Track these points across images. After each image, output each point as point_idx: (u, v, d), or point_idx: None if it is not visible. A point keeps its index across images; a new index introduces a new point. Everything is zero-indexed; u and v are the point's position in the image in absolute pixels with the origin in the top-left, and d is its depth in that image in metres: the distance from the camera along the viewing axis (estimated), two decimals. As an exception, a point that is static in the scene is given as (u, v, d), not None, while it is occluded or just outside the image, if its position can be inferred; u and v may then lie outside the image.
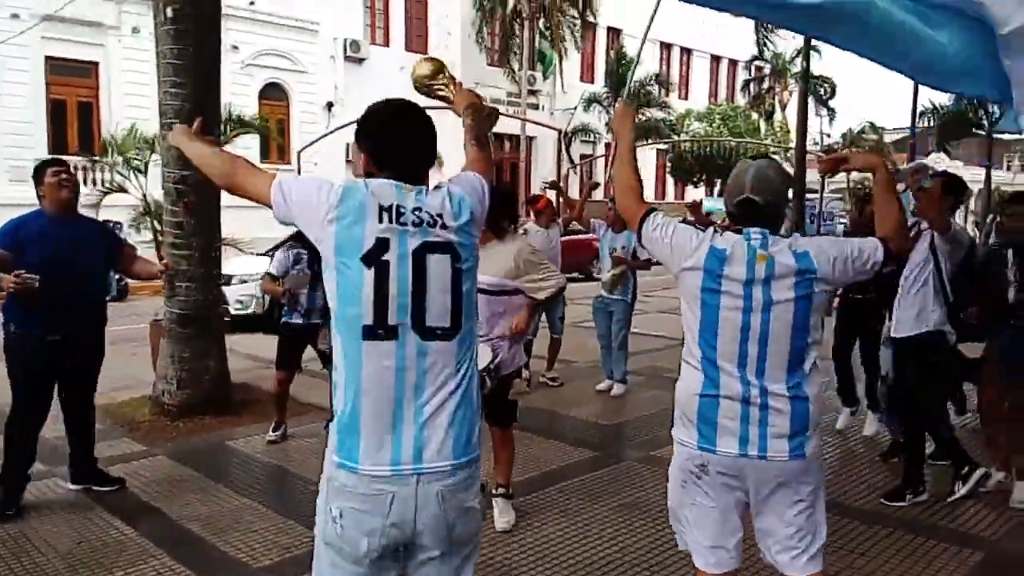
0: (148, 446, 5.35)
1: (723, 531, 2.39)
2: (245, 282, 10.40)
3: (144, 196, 10.89)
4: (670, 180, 31.34)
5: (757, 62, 31.66)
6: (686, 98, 32.07)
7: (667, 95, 27.80)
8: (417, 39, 24.07)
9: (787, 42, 28.07)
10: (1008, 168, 43.46)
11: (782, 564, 2.37)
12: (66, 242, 4.09)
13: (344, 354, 1.86)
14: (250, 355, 8.09)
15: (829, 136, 33.11)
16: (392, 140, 1.97)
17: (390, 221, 1.84)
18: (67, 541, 3.82)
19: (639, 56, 4.97)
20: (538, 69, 26.02)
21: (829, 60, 27.80)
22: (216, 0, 6.09)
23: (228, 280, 9.50)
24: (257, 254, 11.24)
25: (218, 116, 6.51)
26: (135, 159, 11.14)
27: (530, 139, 24.96)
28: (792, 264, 2.23)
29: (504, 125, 24.47)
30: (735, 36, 29.03)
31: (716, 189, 26.79)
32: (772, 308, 2.23)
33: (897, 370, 4.52)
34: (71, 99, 18.01)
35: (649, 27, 3.40)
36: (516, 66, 24.68)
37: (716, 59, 34.44)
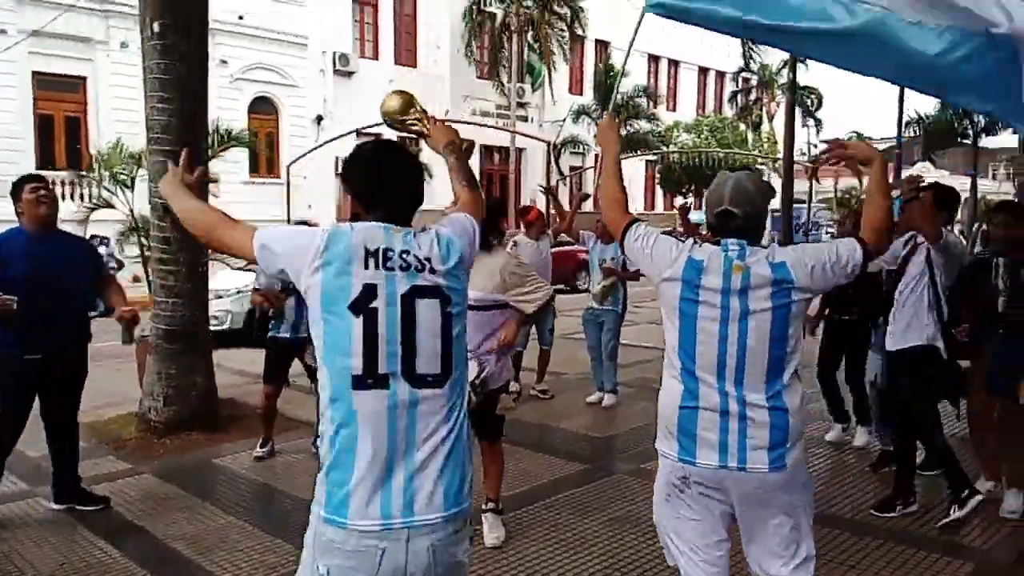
0: (134, 464, 5.29)
1: (708, 544, 2.38)
2: (220, 297, 10.16)
3: (131, 211, 10.82)
4: (659, 191, 31.47)
5: (744, 74, 31.90)
6: (674, 110, 32.24)
7: (655, 107, 27.94)
8: (406, 52, 24.14)
9: (774, 54, 28.31)
10: (994, 177, 43.86)
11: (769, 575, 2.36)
12: (47, 259, 4.05)
13: (332, 404, 1.82)
14: (238, 370, 8.04)
15: (816, 146, 33.34)
16: (379, 182, 1.95)
17: (376, 266, 1.82)
18: (49, 563, 3.76)
19: (623, 69, 4.99)
20: (527, 81, 26.11)
21: (815, 71, 28.14)
22: (203, 15, 6.09)
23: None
24: (233, 268, 11.14)
25: (206, 130, 6.48)
26: (122, 174, 11.07)
27: (519, 151, 25.03)
28: (768, 275, 2.24)
29: (493, 137, 24.57)
30: (722, 48, 29.25)
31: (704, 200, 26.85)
32: (749, 318, 2.23)
33: (891, 382, 4.51)
34: (58, 114, 17.95)
35: (632, 42, 3.42)
36: (505, 79, 24.77)
37: (703, 71, 34.65)
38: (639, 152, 26.01)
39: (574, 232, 6.90)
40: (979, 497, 4.08)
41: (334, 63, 21.77)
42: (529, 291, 3.83)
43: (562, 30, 24.76)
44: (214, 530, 4.16)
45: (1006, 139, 30.41)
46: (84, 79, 17.94)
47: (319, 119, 21.54)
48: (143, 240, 10.37)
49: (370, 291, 1.80)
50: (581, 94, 28.22)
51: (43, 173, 16.05)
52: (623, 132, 25.03)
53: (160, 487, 4.86)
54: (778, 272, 2.24)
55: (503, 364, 3.88)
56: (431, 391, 1.84)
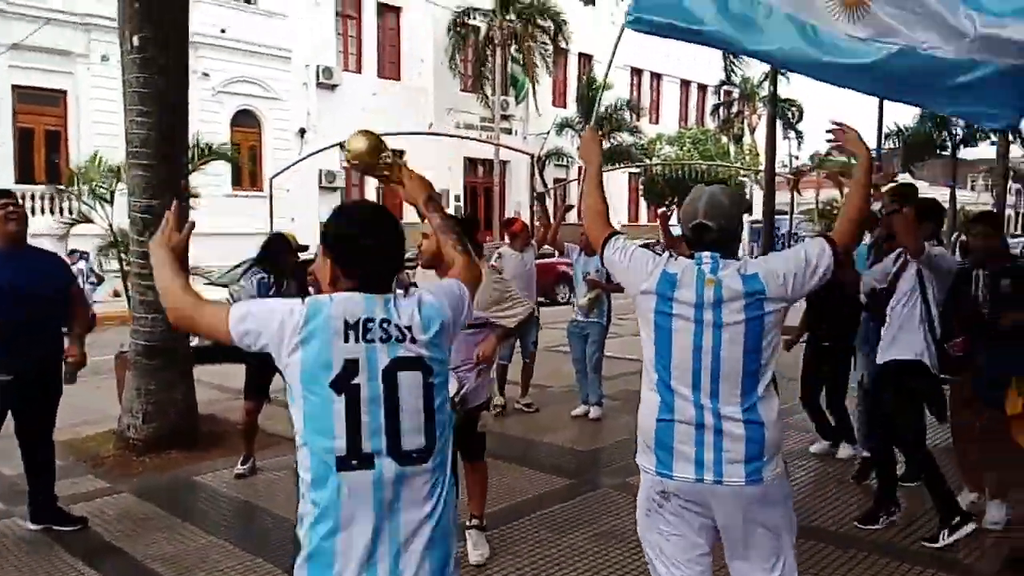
0: (112, 483, 5.20)
1: (690, 559, 2.37)
2: None
3: (110, 226, 10.71)
4: (643, 203, 31.60)
5: (726, 87, 32.15)
6: (657, 122, 32.45)
7: (638, 120, 28.12)
8: (390, 65, 24.17)
9: (755, 67, 28.55)
10: (972, 188, 44.49)
11: None
12: (17, 276, 3.98)
13: (314, 488, 1.77)
14: (218, 385, 7.94)
15: (797, 158, 33.71)
16: (359, 245, 1.88)
17: (357, 339, 1.77)
18: (24, 585, 3.68)
19: (604, 83, 5.02)
20: (511, 94, 26.21)
21: (796, 84, 28.41)
22: (183, 28, 6.05)
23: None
24: (206, 283, 11.03)
25: (186, 144, 6.43)
26: (101, 188, 10.96)
27: (503, 163, 25.07)
28: (739, 288, 2.25)
29: (477, 150, 24.61)
30: (704, 62, 29.47)
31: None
32: (723, 331, 2.25)
33: (875, 395, 4.50)
34: (39, 128, 17.80)
35: (612, 57, 3.46)
36: (489, 91, 24.84)
37: (686, 84, 34.93)
38: (622, 164, 26.14)
39: (558, 244, 6.91)
40: (971, 527, 3.98)
41: (317, 76, 21.75)
42: (509, 307, 3.81)
43: (545, 43, 24.88)
44: (194, 550, 4.09)
45: (984, 150, 30.87)
46: (64, 92, 17.81)
47: (302, 132, 21.49)
48: (122, 255, 10.26)
49: (351, 366, 1.76)
50: (565, 107, 28.36)
51: (22, 187, 16.08)
52: (606, 145, 25.16)
53: (139, 506, 4.78)
54: (749, 284, 2.25)
55: (483, 380, 3.85)
56: (416, 467, 1.80)
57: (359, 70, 23.34)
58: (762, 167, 17.66)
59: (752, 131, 32.56)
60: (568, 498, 4.85)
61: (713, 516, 2.32)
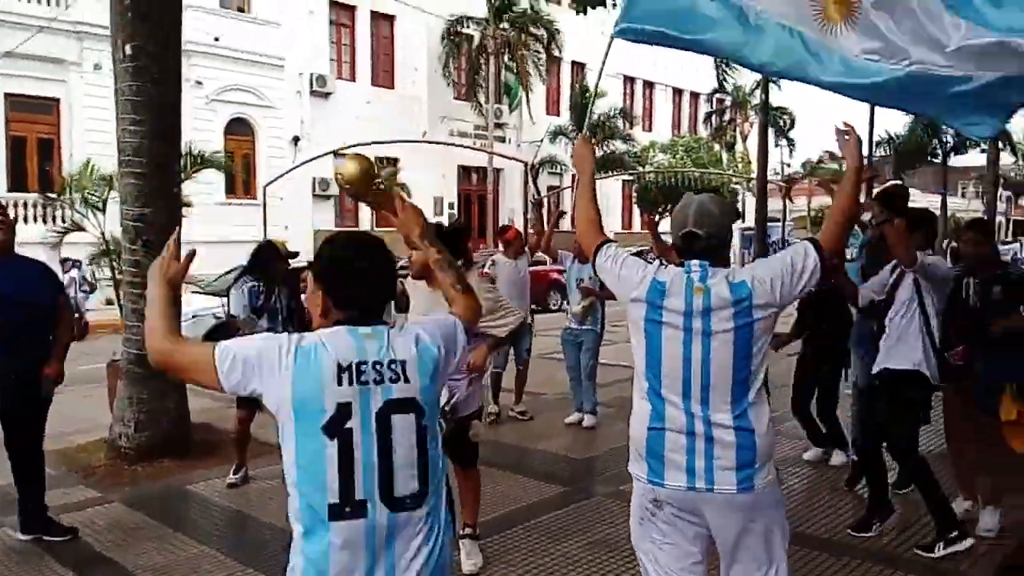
0: (103, 492, 5.17)
1: (683, 567, 2.37)
2: None
3: (103, 234, 10.66)
4: (636, 210, 31.65)
5: (718, 95, 32.30)
6: (650, 130, 32.56)
7: (631, 127, 28.19)
8: (383, 74, 24.18)
9: (747, 76, 28.71)
10: (963, 195, 44.71)
11: None
12: (1, 284, 3.96)
13: (306, 538, 1.74)
14: (210, 394, 7.88)
15: (789, 166, 33.85)
16: (350, 278, 1.85)
17: (350, 383, 1.74)
18: (14, 596, 3.65)
19: (595, 92, 5.06)
20: (504, 102, 26.26)
21: (788, 92, 28.50)
22: (177, 37, 6.05)
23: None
24: (195, 291, 10.98)
25: (178, 152, 6.43)
26: (93, 196, 10.91)
27: (497, 171, 25.09)
28: (728, 296, 2.26)
29: (471, 157, 24.63)
30: (696, 70, 29.58)
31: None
32: (712, 339, 2.25)
33: (870, 404, 4.48)
34: (31, 136, 17.73)
35: (603, 68, 3.50)
36: (483, 99, 24.88)
37: (678, 92, 35.04)
38: (616, 172, 26.20)
39: (552, 251, 6.91)
40: (968, 543, 3.95)
41: (311, 84, 21.75)
42: (500, 316, 3.79)
43: (538, 52, 24.96)
44: (185, 560, 4.06)
45: (974, 158, 31.06)
46: (57, 101, 17.76)
47: (296, 140, 21.47)
48: (115, 263, 10.22)
49: (344, 410, 1.73)
50: (558, 115, 28.42)
51: (14, 195, 16.01)
52: (600, 153, 25.22)
53: (130, 516, 4.75)
54: (737, 292, 2.26)
55: (474, 389, 3.83)
56: (410, 513, 1.78)
57: (353, 78, 23.35)
58: (754, 175, 17.72)
59: (744, 139, 32.71)
60: (562, 506, 4.84)
61: (706, 524, 2.32)
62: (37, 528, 4.30)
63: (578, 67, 29.36)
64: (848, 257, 5.35)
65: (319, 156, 17.02)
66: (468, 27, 24.03)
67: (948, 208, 27.05)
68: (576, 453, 6.12)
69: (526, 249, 7.39)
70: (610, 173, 25.50)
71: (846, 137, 2.52)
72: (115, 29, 5.78)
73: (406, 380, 1.80)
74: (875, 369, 4.19)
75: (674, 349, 2.28)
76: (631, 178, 28.48)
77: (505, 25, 23.99)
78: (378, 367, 1.77)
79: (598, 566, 3.93)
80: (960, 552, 3.95)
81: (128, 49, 5.66)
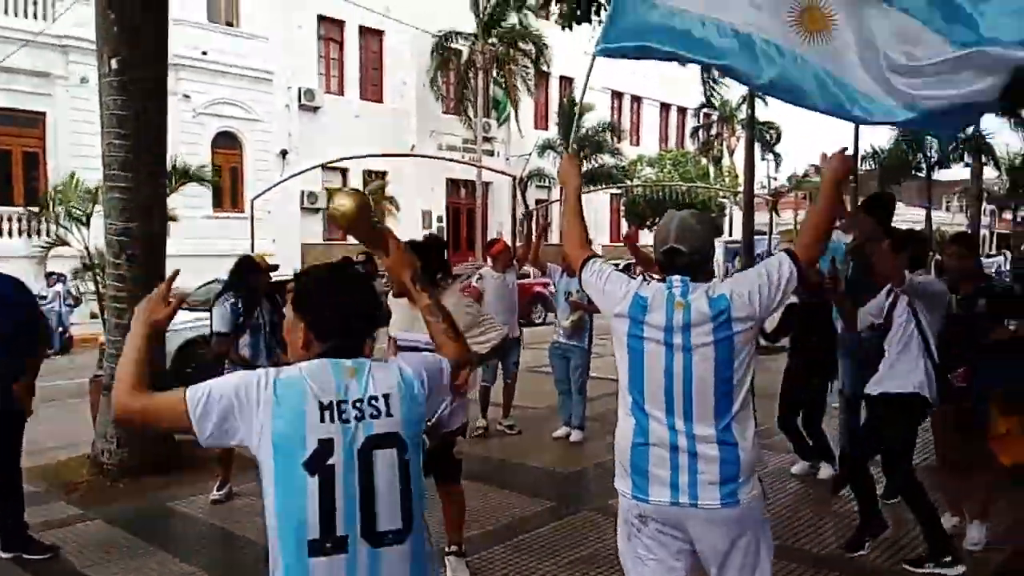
0: (85, 509, 5.11)
1: None
2: None
3: (86, 248, 10.60)
4: (624, 224, 31.77)
5: (705, 109, 32.53)
6: (638, 144, 32.74)
7: (619, 142, 28.34)
8: (372, 88, 24.23)
9: (734, 90, 28.95)
10: (947, 209, 45.16)
11: None
12: None
13: (287, 572, 1.71)
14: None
15: (776, 180, 34.06)
16: (333, 311, 1.83)
17: (332, 420, 1.72)
18: (-9, 617, 3.59)
19: (579, 109, 5.07)
20: (493, 116, 26.35)
21: (774, 107, 28.76)
22: (162, 51, 6.04)
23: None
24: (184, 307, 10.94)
25: (164, 167, 6.40)
26: (77, 210, 10.85)
27: (486, 184, 25.14)
28: (707, 310, 2.27)
29: (460, 171, 24.67)
30: (683, 85, 29.79)
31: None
32: (694, 353, 2.26)
33: (865, 416, 4.42)
34: (16, 150, 17.62)
35: (586, 85, 3.57)
36: (471, 113, 24.95)
37: (665, 107, 35.27)
38: (604, 186, 26.29)
39: (540, 264, 6.90)
40: (960, 569, 3.89)
41: (299, 98, 21.76)
42: (481, 332, 3.74)
43: (527, 67, 25.08)
44: (168, 579, 4.01)
45: (958, 172, 31.43)
46: (43, 114, 17.67)
47: (284, 153, 21.44)
48: (99, 277, 10.16)
49: (326, 446, 1.70)
50: (547, 129, 28.53)
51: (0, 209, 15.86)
52: (588, 166, 25.34)
53: (113, 534, 4.69)
54: (716, 305, 2.27)
55: (458, 405, 3.80)
56: (392, 549, 1.75)
57: (341, 92, 23.38)
58: (741, 188, 17.82)
59: (731, 153, 32.93)
60: (550, 522, 4.81)
61: (690, 539, 2.31)
62: (17, 546, 4.24)
63: (566, 81, 29.52)
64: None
65: (307, 169, 17.03)
66: (457, 42, 24.12)
67: (933, 222, 27.30)
68: (564, 467, 6.10)
69: (514, 263, 7.38)
70: (599, 187, 25.60)
71: (839, 156, 2.52)
72: (100, 43, 5.76)
73: (388, 414, 1.78)
74: (874, 391, 4.11)
75: (656, 364, 2.29)
76: (619, 192, 28.60)
77: (494, 40, 24.10)
78: (358, 404, 1.75)
79: (586, 582, 3.90)
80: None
81: (113, 63, 5.64)
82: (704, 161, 31.44)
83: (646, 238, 5.83)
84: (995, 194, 35.25)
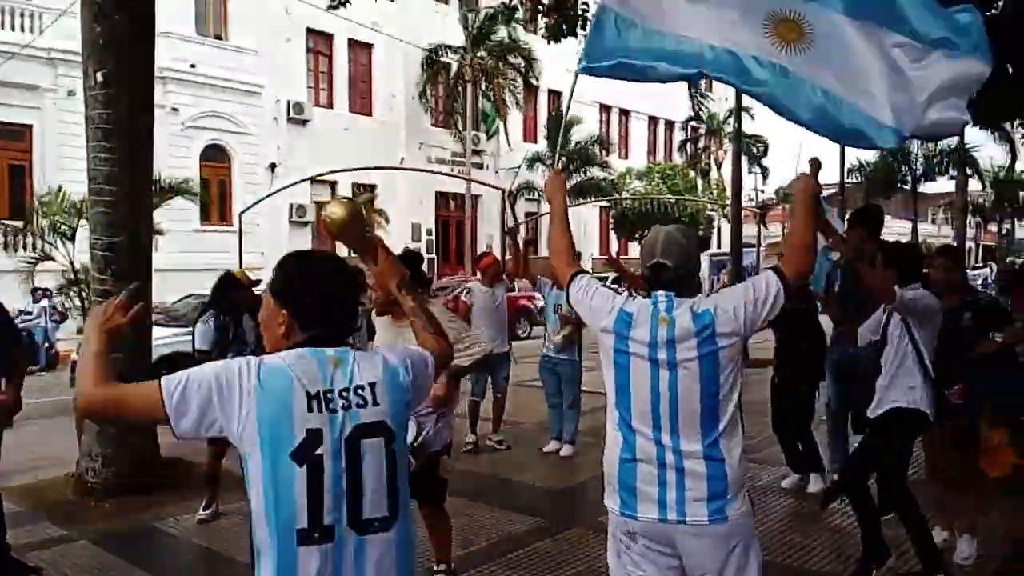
0: (69, 530, 5.02)
1: None
2: None
3: (71, 263, 10.49)
4: (613, 236, 31.87)
5: (693, 123, 32.74)
6: (626, 157, 32.89)
7: (607, 155, 28.45)
8: (361, 101, 24.24)
9: (721, 104, 29.16)
10: (933, 221, 45.57)
11: None
12: None
13: (276, 564, 1.69)
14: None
15: (763, 192, 34.26)
16: (315, 298, 1.82)
17: (320, 410, 1.71)
18: (-29, 642, 3.52)
19: (563, 126, 5.08)
20: (482, 129, 26.41)
21: (761, 120, 28.90)
22: (149, 65, 6.01)
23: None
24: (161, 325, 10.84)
25: (150, 181, 6.36)
26: (62, 224, 10.75)
27: (475, 197, 25.17)
28: (691, 326, 2.27)
29: (449, 184, 24.68)
30: (671, 99, 30.01)
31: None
32: (679, 369, 2.26)
33: (864, 442, 4.29)
34: (2, 163, 17.51)
35: (569, 102, 3.63)
36: (460, 127, 25.01)
37: (653, 120, 35.49)
38: (593, 198, 26.37)
39: (531, 276, 6.88)
40: None
41: (288, 111, 21.73)
42: (464, 347, 3.69)
43: (515, 80, 25.17)
44: (152, 600, 3.95)
45: (943, 184, 31.71)
46: (30, 127, 17.58)
47: (273, 167, 21.39)
48: (83, 293, 10.06)
49: (314, 436, 1.70)
50: (535, 142, 28.62)
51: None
52: (577, 179, 25.43)
53: (97, 555, 4.62)
54: (700, 321, 2.27)
55: (443, 424, 3.76)
56: (379, 536, 1.76)
57: (330, 105, 23.37)
58: (729, 201, 17.91)
59: (719, 166, 33.12)
60: (541, 539, 4.77)
61: (680, 556, 2.30)
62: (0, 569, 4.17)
63: (555, 95, 29.65)
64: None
65: (296, 183, 16.97)
66: (446, 55, 24.19)
67: (919, 234, 27.51)
68: (554, 483, 6.06)
69: (504, 276, 7.35)
70: (587, 200, 25.66)
71: (812, 166, 2.55)
72: (86, 56, 5.73)
73: (375, 403, 1.78)
74: (872, 413, 4.03)
75: (642, 380, 2.28)
76: (608, 204, 28.70)
77: (483, 53, 24.19)
78: (344, 394, 1.75)
79: (577, 600, 3.87)
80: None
81: (99, 76, 5.61)
82: (692, 174, 31.60)
83: (634, 250, 5.82)
84: (980, 206, 35.59)
